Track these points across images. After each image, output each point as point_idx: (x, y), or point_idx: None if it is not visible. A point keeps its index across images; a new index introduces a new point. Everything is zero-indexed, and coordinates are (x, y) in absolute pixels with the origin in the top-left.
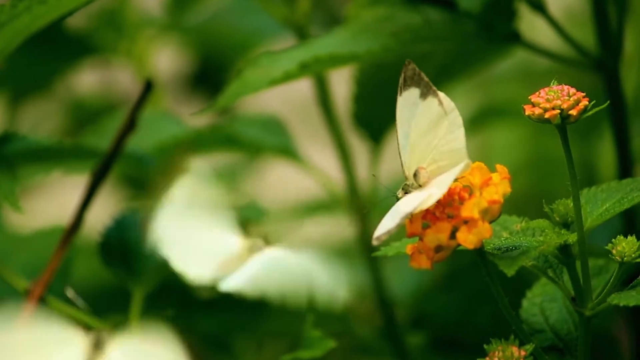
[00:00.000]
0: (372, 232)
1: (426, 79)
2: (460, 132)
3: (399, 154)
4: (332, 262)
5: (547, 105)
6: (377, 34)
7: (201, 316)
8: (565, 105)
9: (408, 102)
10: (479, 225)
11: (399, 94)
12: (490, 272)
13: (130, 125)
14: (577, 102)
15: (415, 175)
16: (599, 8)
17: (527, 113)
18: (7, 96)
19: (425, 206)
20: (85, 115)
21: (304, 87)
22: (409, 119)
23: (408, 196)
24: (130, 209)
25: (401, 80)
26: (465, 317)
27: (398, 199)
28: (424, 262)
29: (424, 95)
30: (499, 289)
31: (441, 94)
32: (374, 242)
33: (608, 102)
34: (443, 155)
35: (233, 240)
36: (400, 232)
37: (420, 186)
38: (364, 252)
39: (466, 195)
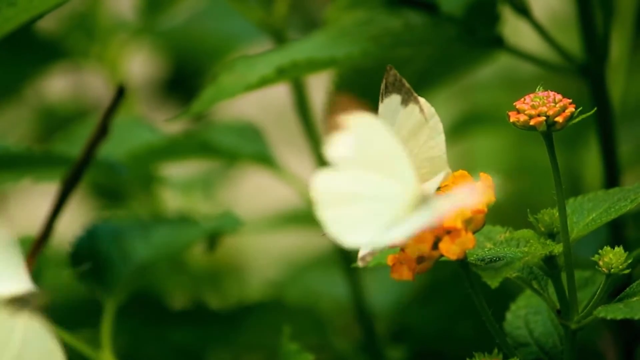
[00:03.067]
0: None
1: (407, 85)
2: (441, 138)
3: None
4: None
5: (533, 112)
6: (357, 38)
7: (174, 328)
8: (551, 112)
9: (389, 109)
10: (462, 236)
11: (380, 101)
12: (473, 283)
13: (102, 132)
14: (564, 109)
15: None
16: (584, 12)
17: (511, 120)
18: None
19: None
20: (56, 121)
21: (281, 93)
22: (391, 126)
23: None
24: (102, 218)
25: (383, 86)
26: (447, 330)
27: None
28: (405, 274)
29: (405, 102)
30: (482, 301)
31: (422, 100)
32: (360, 264)
33: (595, 108)
34: (423, 163)
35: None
36: None
37: None
38: (342, 263)
39: None
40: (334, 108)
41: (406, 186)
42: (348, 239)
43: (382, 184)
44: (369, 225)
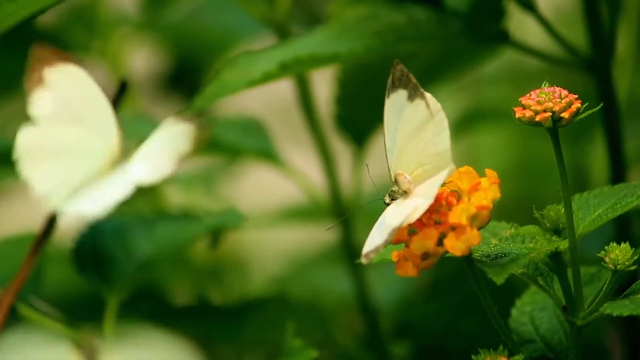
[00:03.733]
0: (355, 238)
1: (414, 80)
2: (446, 134)
3: (386, 158)
4: None
5: (538, 108)
6: (360, 34)
7: (177, 324)
8: (557, 108)
9: (396, 104)
10: (467, 232)
11: (386, 96)
12: (478, 280)
13: None
14: (570, 105)
15: (396, 181)
16: (590, 7)
17: (517, 116)
18: None
19: (412, 220)
20: None
21: (284, 89)
22: (396, 121)
23: (394, 208)
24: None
25: (389, 81)
26: (452, 327)
27: (386, 204)
28: (410, 270)
29: (411, 97)
30: (488, 298)
31: (428, 95)
32: (363, 261)
33: (601, 104)
34: (428, 159)
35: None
36: None
37: (405, 192)
38: (347, 259)
39: (454, 200)
40: (35, 62)
41: (106, 140)
42: (52, 199)
43: (82, 138)
44: (68, 184)
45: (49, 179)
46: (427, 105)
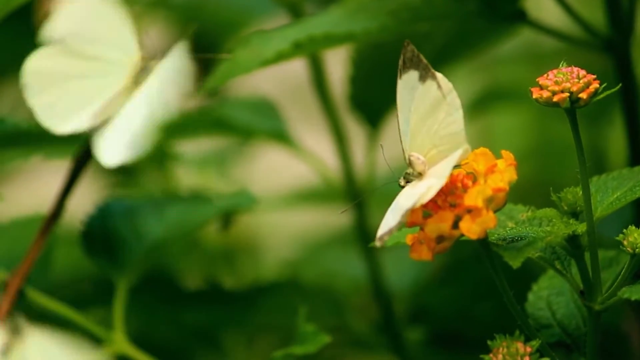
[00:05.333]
0: (369, 221)
1: (425, 60)
2: (459, 114)
3: (400, 139)
4: None
5: (556, 88)
6: (375, 13)
7: (188, 309)
8: (575, 88)
9: (408, 85)
10: (483, 215)
11: (398, 77)
12: (494, 264)
13: None
14: (588, 85)
15: (410, 163)
16: None
17: (534, 96)
18: None
19: (425, 200)
20: None
21: (298, 68)
22: (409, 103)
23: (408, 189)
24: (115, 196)
25: (400, 62)
26: (467, 312)
27: (401, 187)
28: (424, 253)
29: (422, 78)
30: (504, 282)
31: (439, 76)
32: (377, 244)
33: (620, 85)
34: (442, 140)
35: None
36: None
37: (420, 174)
38: (360, 242)
39: (470, 182)
40: None
41: (126, 55)
42: (60, 126)
43: (101, 57)
44: (85, 107)
45: (61, 103)
46: (439, 86)
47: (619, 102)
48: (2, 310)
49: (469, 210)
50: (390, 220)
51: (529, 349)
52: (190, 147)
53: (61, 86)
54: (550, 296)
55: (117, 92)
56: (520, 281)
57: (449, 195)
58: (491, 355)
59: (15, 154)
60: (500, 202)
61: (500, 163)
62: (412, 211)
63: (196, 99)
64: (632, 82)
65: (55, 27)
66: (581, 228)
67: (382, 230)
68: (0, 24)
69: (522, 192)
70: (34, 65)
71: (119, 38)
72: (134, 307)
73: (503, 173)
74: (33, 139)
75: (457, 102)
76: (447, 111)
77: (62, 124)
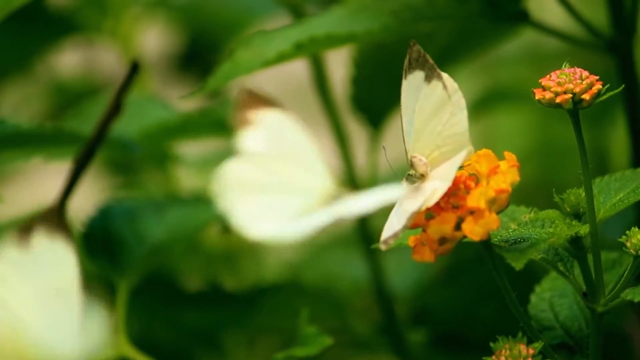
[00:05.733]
0: (371, 222)
1: (431, 61)
2: (463, 114)
3: (404, 140)
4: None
5: (559, 89)
6: (377, 13)
7: (189, 311)
8: (577, 89)
9: (413, 86)
10: (485, 216)
11: (403, 78)
12: (497, 265)
13: (115, 109)
14: (590, 86)
15: (412, 164)
16: None
17: (537, 97)
18: None
19: (430, 203)
20: (68, 98)
21: (299, 69)
22: (414, 103)
23: (412, 192)
24: (116, 198)
25: (406, 62)
26: (469, 313)
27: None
28: (427, 255)
29: (428, 79)
30: (506, 284)
31: (445, 76)
32: (382, 247)
33: (623, 85)
34: (445, 141)
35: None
36: None
37: (422, 175)
38: (362, 243)
39: (472, 184)
40: (242, 105)
41: (318, 179)
42: (254, 228)
43: (293, 176)
44: (276, 215)
45: (254, 210)
46: (445, 87)
47: (621, 103)
48: None
49: (472, 212)
50: (394, 223)
51: (531, 351)
52: (192, 149)
53: (254, 194)
54: (553, 298)
55: (312, 204)
56: (522, 283)
57: (451, 197)
58: (494, 357)
59: (16, 155)
60: (503, 203)
61: (503, 164)
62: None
63: (197, 100)
64: (635, 83)
65: (248, 141)
66: (584, 230)
67: (386, 233)
68: (1, 25)
69: (525, 194)
70: (231, 174)
71: (309, 159)
72: (135, 308)
73: (505, 174)
74: (34, 140)
75: (462, 102)
76: (451, 111)
77: (255, 224)
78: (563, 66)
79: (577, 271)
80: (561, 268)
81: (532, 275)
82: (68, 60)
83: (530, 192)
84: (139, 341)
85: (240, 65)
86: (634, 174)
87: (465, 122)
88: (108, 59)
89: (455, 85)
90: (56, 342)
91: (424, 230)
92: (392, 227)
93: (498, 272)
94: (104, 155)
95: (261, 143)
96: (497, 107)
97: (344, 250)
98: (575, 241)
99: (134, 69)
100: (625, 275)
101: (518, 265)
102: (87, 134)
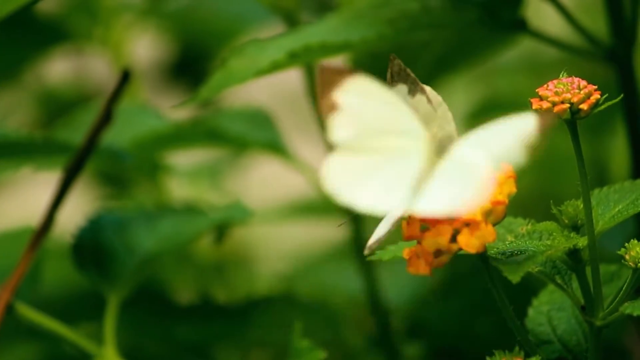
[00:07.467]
0: (366, 234)
1: (412, 75)
2: (451, 127)
3: None
4: None
5: (556, 99)
6: (372, 21)
7: (180, 323)
8: (575, 99)
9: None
10: (482, 228)
11: None
12: (493, 278)
13: (105, 118)
14: (588, 96)
15: None
16: None
17: (534, 107)
18: None
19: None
20: (57, 107)
21: (293, 78)
22: None
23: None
24: (106, 208)
25: (388, 76)
26: (465, 327)
27: None
28: (422, 268)
29: (412, 92)
30: (503, 297)
31: (428, 89)
32: (366, 252)
33: (622, 95)
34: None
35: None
36: (397, 235)
37: None
38: (357, 256)
39: None
40: (324, 86)
41: (416, 139)
42: (379, 209)
43: (392, 147)
44: (395, 193)
45: (369, 193)
46: (429, 100)
47: (621, 113)
48: None
49: (468, 224)
50: (380, 229)
51: None
52: (183, 159)
53: (364, 184)
54: (551, 311)
55: (419, 172)
56: (520, 296)
57: None
58: None
59: (4, 165)
60: (500, 215)
61: (499, 175)
62: (409, 224)
63: (189, 110)
64: (634, 93)
65: (339, 128)
66: (582, 242)
67: (372, 239)
68: None
69: (522, 205)
70: (334, 171)
71: (403, 120)
72: (125, 321)
73: (502, 185)
74: (23, 150)
75: (449, 115)
76: (439, 125)
77: (380, 207)
78: (561, 75)
79: (575, 284)
80: (559, 281)
81: (529, 288)
82: (58, 69)
83: (528, 204)
84: (130, 354)
85: (233, 75)
86: (634, 186)
87: (455, 135)
88: (98, 68)
89: (439, 98)
90: None
91: (419, 243)
92: (377, 232)
93: (495, 285)
94: (95, 165)
95: (351, 126)
96: (495, 117)
97: (337, 262)
98: (574, 254)
99: (125, 77)
100: (624, 288)
101: (515, 278)
102: (77, 143)
